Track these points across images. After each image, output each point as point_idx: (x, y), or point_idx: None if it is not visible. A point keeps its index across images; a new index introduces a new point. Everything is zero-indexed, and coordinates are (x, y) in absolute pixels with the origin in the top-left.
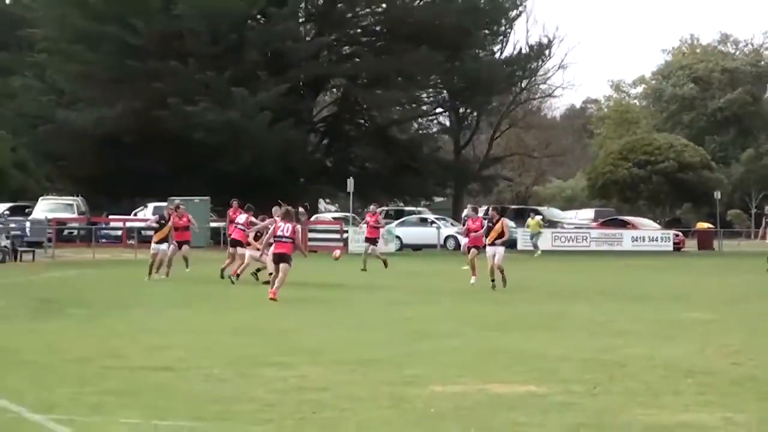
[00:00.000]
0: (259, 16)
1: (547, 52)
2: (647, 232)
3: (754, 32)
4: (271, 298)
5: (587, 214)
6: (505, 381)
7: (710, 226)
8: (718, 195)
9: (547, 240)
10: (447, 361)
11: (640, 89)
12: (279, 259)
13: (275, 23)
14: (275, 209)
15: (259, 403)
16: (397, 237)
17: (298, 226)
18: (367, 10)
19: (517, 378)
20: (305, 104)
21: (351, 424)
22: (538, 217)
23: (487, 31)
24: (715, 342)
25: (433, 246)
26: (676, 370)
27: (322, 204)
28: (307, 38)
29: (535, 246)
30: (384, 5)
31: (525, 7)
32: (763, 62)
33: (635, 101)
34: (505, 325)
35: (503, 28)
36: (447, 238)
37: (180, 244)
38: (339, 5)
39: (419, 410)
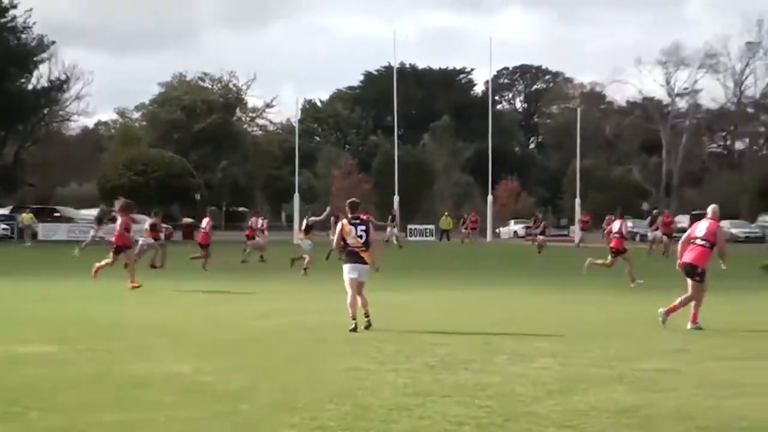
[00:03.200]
0: None
1: (65, 86)
2: (144, 225)
3: (223, 71)
4: None
5: (95, 212)
6: (21, 342)
7: (192, 220)
8: (197, 196)
9: (63, 232)
10: None
11: (140, 114)
12: None
13: None
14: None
15: None
16: None
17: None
18: None
19: (32, 339)
20: None
21: None
22: (30, 214)
23: (16, 69)
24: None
25: None
26: (165, 331)
27: None
28: None
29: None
30: None
31: (50, 51)
32: (230, 95)
33: (137, 123)
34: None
35: (31, 66)
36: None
37: None
38: None
39: None
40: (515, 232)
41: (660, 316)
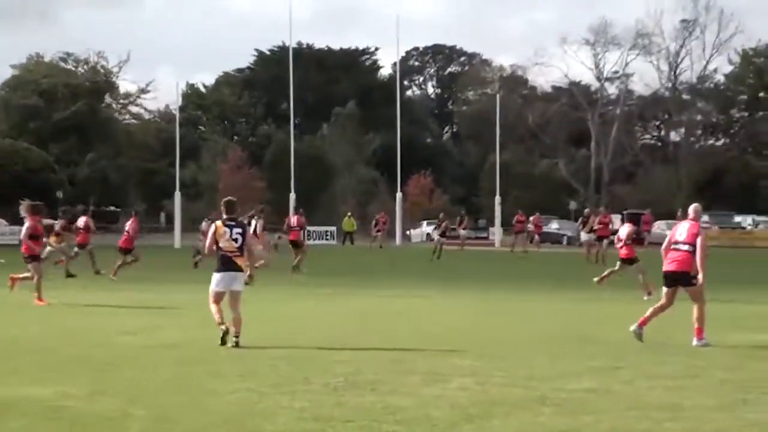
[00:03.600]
0: None
1: None
2: None
3: (89, 51)
4: None
5: None
6: None
7: (54, 221)
8: (60, 194)
9: None
10: None
11: None
12: None
13: None
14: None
15: None
16: None
17: None
18: None
19: None
20: None
21: None
22: None
23: None
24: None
25: None
26: (19, 350)
27: None
28: None
29: None
30: None
31: None
32: (98, 79)
33: None
34: None
35: None
36: None
37: None
38: None
39: None
40: (428, 234)
41: (634, 333)
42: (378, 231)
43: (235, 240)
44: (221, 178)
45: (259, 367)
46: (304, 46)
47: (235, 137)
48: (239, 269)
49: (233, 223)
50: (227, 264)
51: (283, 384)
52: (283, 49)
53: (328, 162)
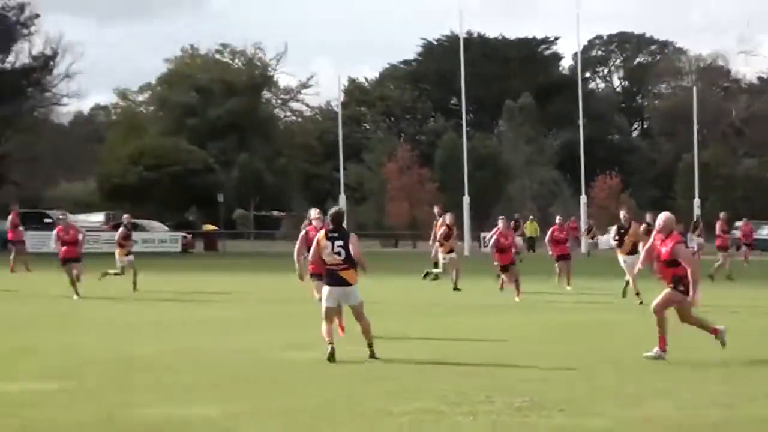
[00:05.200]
0: None
1: (51, 62)
2: (157, 234)
3: (246, 42)
4: None
5: (98, 217)
6: (26, 379)
7: (215, 227)
8: (221, 197)
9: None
10: None
11: (146, 96)
12: None
13: None
14: None
15: None
16: None
17: None
18: None
19: (38, 376)
20: None
21: None
22: None
23: None
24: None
25: None
26: (184, 367)
27: None
28: None
29: None
30: None
31: (33, 23)
32: (257, 71)
33: (142, 108)
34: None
35: (10, 41)
36: None
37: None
38: None
39: None
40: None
41: None
42: (592, 236)
43: (338, 254)
44: (389, 179)
45: (436, 385)
46: (475, 35)
47: (402, 135)
48: (348, 284)
49: (336, 235)
50: (335, 279)
51: (462, 403)
52: (451, 39)
53: (503, 161)
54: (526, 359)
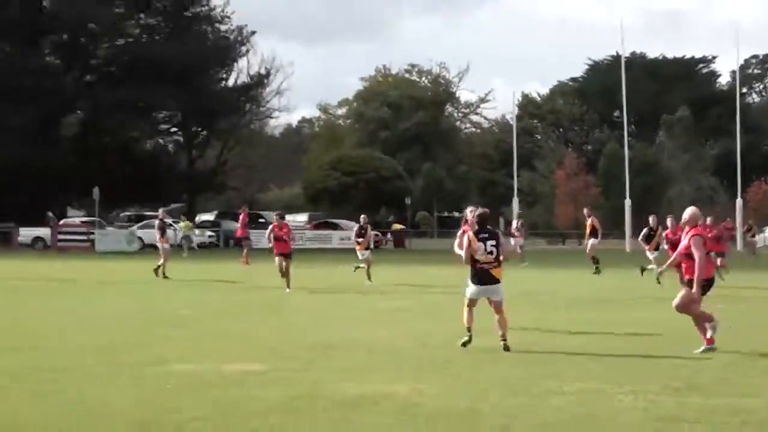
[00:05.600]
0: (7, 49)
1: (265, 81)
2: (353, 233)
3: (432, 62)
4: None
5: (302, 217)
6: (233, 360)
7: (403, 226)
8: (408, 201)
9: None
10: (184, 344)
11: (344, 111)
12: None
13: (24, 58)
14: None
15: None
16: (139, 238)
17: None
18: (107, 44)
19: (244, 357)
20: (52, 127)
21: (91, 398)
22: (188, 222)
23: (218, 69)
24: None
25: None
26: (376, 350)
27: (69, 210)
28: (52, 68)
29: (186, 245)
30: (122, 41)
31: (250, 44)
32: (441, 88)
33: (340, 121)
34: (234, 313)
35: (230, 61)
36: (183, 238)
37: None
38: (82, 39)
39: (156, 386)
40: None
41: None
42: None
43: (491, 252)
44: (557, 185)
45: (597, 368)
46: (637, 54)
47: (569, 144)
48: (496, 281)
49: (486, 236)
50: (484, 278)
51: (624, 384)
52: (615, 59)
53: (662, 169)
54: (681, 347)
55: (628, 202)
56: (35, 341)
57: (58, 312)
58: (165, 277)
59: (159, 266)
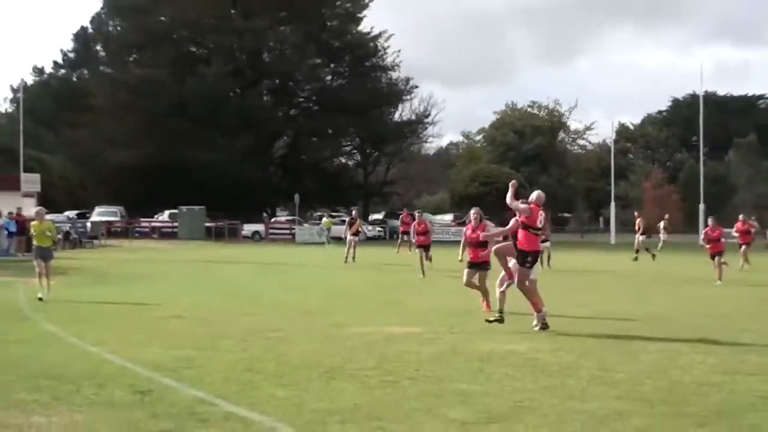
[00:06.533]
0: (238, 90)
1: (425, 119)
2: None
3: (549, 99)
4: None
5: (448, 217)
6: (394, 324)
7: None
8: None
9: None
10: (358, 311)
11: (481, 136)
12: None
13: (248, 97)
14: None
15: (235, 339)
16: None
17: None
18: (308, 87)
19: (402, 322)
20: (267, 148)
21: (295, 352)
22: (330, 219)
23: (388, 107)
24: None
25: None
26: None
27: (278, 211)
28: (268, 105)
29: (328, 240)
30: (318, 84)
31: (413, 92)
32: (555, 119)
33: (479, 144)
34: (394, 288)
35: (397, 102)
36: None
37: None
38: (289, 83)
39: (340, 343)
40: None
41: None
42: None
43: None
44: (645, 192)
45: (679, 331)
46: (710, 92)
47: (655, 162)
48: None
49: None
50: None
51: (698, 343)
52: (692, 96)
53: (730, 181)
54: (748, 319)
55: (702, 206)
56: (259, 309)
57: (272, 286)
58: (353, 260)
59: (347, 255)
